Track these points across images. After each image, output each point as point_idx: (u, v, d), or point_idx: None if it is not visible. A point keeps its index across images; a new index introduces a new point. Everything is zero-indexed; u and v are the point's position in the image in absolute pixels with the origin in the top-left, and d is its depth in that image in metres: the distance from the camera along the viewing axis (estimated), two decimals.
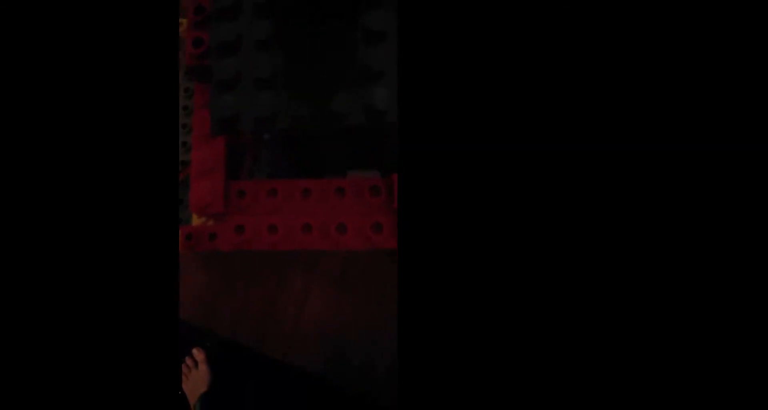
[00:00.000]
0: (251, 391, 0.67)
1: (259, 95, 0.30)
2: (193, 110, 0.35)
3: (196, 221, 0.43)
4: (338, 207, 0.32)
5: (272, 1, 0.22)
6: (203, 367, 0.68)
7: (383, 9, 0.29)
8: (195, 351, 0.69)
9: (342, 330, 0.50)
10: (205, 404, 0.65)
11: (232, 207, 0.33)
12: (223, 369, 0.69)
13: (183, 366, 0.69)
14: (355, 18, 0.26)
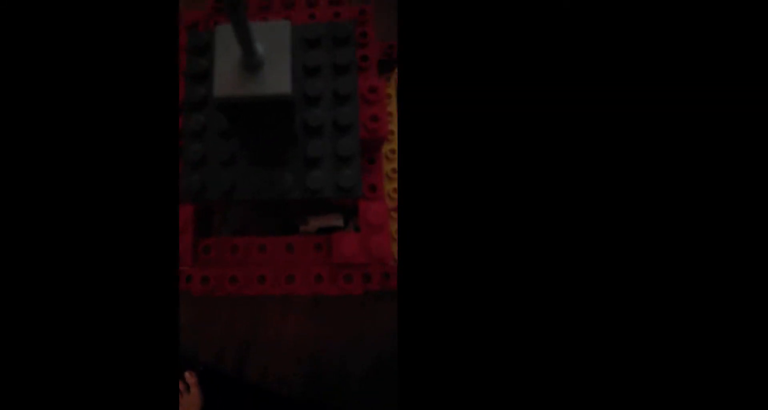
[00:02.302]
0: None
1: (221, 173, 0.37)
2: None
3: None
4: (288, 260, 0.39)
5: (229, 102, 0.28)
6: (195, 391, 0.72)
7: (320, 108, 0.37)
8: (187, 375, 0.72)
9: (316, 349, 0.57)
10: None
11: (200, 261, 0.40)
12: (214, 393, 0.73)
13: None
14: (283, 118, 0.32)
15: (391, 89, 0.58)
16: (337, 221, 0.53)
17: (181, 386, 0.72)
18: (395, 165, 0.53)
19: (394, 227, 0.49)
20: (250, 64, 0.27)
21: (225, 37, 0.28)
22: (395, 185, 0.52)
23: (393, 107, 0.57)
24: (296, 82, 0.37)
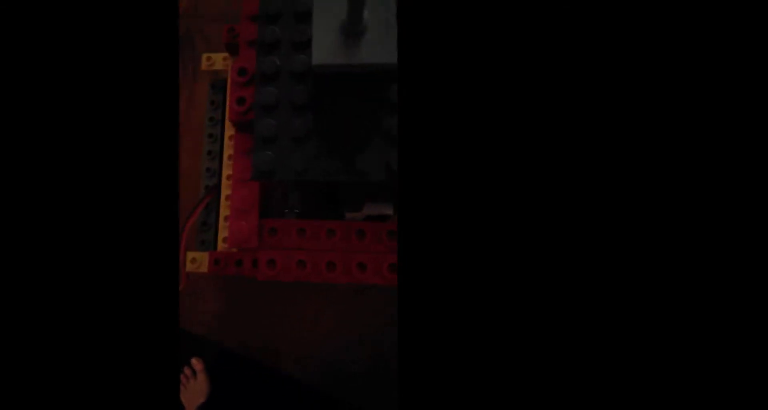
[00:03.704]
0: (249, 402, 0.70)
1: (294, 151, 0.35)
2: (232, 155, 0.40)
3: (221, 246, 0.47)
4: (359, 247, 0.37)
5: (306, 71, 0.26)
6: (202, 377, 0.70)
7: None
8: (194, 361, 0.71)
9: (346, 347, 0.55)
10: None
11: (264, 243, 0.37)
12: (222, 380, 0.72)
13: (181, 375, 0.70)
14: (381, 90, 0.30)
15: None
16: (387, 209, 0.51)
17: (187, 372, 0.71)
18: None
19: None
20: (354, 30, 0.24)
21: (326, 0, 0.25)
22: None
23: None
24: None
